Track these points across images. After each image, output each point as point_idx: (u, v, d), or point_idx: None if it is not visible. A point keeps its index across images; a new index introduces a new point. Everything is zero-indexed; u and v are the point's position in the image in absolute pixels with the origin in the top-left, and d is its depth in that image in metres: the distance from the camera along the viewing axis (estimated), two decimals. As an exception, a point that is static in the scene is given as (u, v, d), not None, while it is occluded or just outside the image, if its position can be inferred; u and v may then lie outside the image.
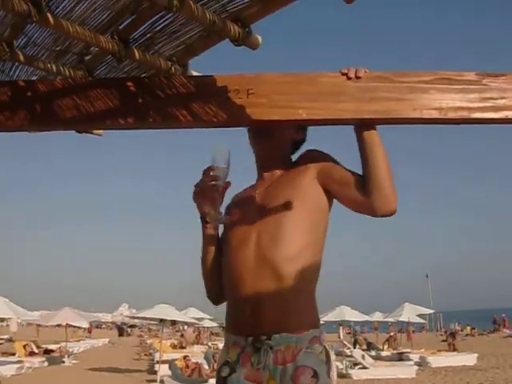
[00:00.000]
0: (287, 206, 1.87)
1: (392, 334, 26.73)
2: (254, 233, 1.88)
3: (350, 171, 1.89)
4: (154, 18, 2.03)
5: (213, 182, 1.90)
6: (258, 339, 1.80)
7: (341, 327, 23.81)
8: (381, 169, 1.79)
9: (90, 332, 37.42)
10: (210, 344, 28.85)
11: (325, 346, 1.82)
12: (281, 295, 1.79)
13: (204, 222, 1.99)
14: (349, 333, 33.15)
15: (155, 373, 14.93)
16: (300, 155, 2.04)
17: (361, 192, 1.80)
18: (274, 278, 1.80)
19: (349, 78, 1.88)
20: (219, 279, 1.98)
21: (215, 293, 2.06)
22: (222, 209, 2.00)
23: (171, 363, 14.29)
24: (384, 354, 21.61)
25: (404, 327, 29.60)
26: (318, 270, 1.91)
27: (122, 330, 46.95)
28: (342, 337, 22.46)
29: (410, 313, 26.00)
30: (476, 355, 19.05)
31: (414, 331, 28.05)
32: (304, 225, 1.87)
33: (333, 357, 1.85)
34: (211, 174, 1.90)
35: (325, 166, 1.93)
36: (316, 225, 1.91)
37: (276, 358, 1.76)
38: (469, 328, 41.51)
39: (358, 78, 1.88)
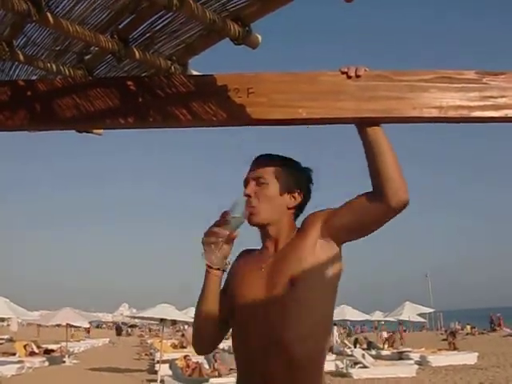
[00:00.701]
0: (294, 283, 1.78)
1: (384, 333, 26.74)
2: (262, 310, 1.80)
3: (347, 201, 1.82)
4: (153, 18, 2.03)
5: (224, 232, 1.81)
6: None
7: (335, 327, 23.81)
8: (389, 160, 1.73)
9: (88, 332, 37.34)
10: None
11: None
12: (291, 376, 1.75)
13: (209, 267, 1.88)
14: (343, 333, 33.10)
15: (156, 372, 14.94)
16: (302, 222, 1.93)
17: (370, 198, 1.75)
18: (285, 359, 1.74)
19: (349, 77, 1.87)
20: (211, 330, 1.93)
21: (203, 342, 1.99)
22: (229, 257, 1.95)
23: (172, 363, 14.30)
24: (384, 353, 21.63)
25: (405, 327, 29.60)
26: (327, 347, 1.87)
27: (119, 329, 46.90)
28: (336, 336, 22.43)
29: (410, 312, 26.05)
30: (476, 354, 19.06)
31: (405, 330, 28.03)
32: (313, 301, 1.79)
33: None
34: (225, 220, 1.82)
35: (325, 217, 1.84)
36: (326, 296, 1.84)
37: None
38: (469, 327, 41.49)
39: (357, 76, 1.86)
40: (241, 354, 1.88)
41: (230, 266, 1.94)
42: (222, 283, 1.94)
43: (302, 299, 1.77)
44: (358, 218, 1.78)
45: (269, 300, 1.80)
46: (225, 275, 1.94)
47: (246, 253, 2.03)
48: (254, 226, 1.92)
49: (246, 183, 1.93)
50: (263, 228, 1.93)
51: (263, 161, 1.96)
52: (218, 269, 1.87)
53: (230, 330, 1.95)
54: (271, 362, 1.75)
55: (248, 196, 1.88)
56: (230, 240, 1.84)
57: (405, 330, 28.24)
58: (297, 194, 1.94)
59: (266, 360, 1.76)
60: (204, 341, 1.98)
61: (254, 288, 1.85)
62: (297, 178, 1.95)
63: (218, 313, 1.90)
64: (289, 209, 1.94)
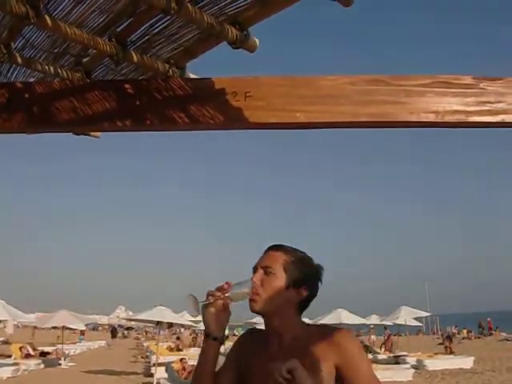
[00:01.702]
0: None
1: (373, 337, 26.59)
2: None
3: (367, 377, 1.79)
4: (151, 21, 2.02)
5: (230, 295, 1.81)
6: None
7: None
8: None
9: (82, 334, 37.10)
10: (206, 346, 28.72)
11: None
12: None
13: (207, 338, 1.89)
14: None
15: (152, 375, 14.93)
16: (326, 329, 1.90)
17: None
18: None
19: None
20: None
21: None
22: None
23: (168, 366, 14.28)
24: (381, 357, 21.62)
25: (401, 331, 29.60)
26: None
27: (114, 332, 46.74)
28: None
29: (406, 316, 26.02)
30: (472, 358, 19.08)
31: (395, 334, 28.04)
32: None
33: None
34: (227, 289, 1.82)
35: (350, 365, 1.79)
36: None
37: None
38: (465, 331, 41.56)
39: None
40: None
41: (232, 342, 1.96)
42: (222, 350, 1.95)
43: None
44: None
45: None
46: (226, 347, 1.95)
47: (252, 335, 2.04)
48: (254, 312, 1.90)
49: (255, 270, 1.91)
50: (265, 317, 1.91)
51: (275, 251, 1.93)
52: (215, 339, 1.87)
53: None
54: None
55: (254, 283, 1.86)
56: (226, 305, 1.84)
57: (395, 335, 28.20)
58: (303, 289, 1.91)
59: None
60: None
61: (263, 378, 1.82)
62: (305, 273, 1.91)
63: (212, 381, 1.91)
64: (293, 303, 1.90)
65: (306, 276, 1.91)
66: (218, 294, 1.82)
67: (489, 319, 44.09)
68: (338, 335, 1.83)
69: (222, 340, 1.89)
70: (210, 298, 1.83)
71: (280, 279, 1.88)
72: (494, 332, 42.75)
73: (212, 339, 1.87)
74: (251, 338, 2.03)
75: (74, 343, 32.34)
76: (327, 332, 1.86)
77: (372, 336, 26.97)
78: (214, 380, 1.91)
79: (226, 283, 1.83)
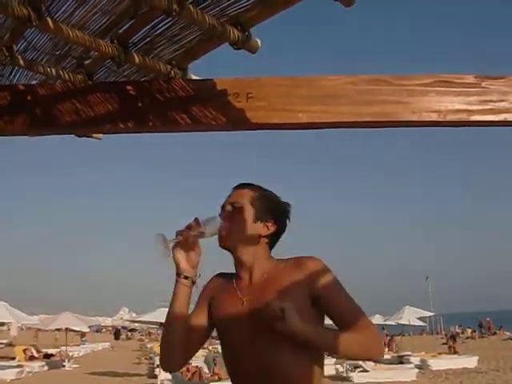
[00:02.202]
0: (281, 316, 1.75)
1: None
2: (251, 345, 1.80)
3: (346, 308, 1.82)
4: (153, 22, 2.03)
5: (199, 232, 1.81)
6: None
7: None
8: (341, 353, 1.78)
9: (83, 336, 36.87)
10: (210, 348, 28.78)
11: None
12: None
13: (179, 277, 1.87)
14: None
15: (155, 377, 14.93)
16: (296, 260, 1.88)
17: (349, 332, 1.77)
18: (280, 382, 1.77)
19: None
20: (182, 344, 1.91)
21: (173, 357, 1.96)
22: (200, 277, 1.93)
23: (171, 367, 14.23)
24: (384, 356, 21.58)
25: (405, 330, 29.55)
26: (322, 362, 1.87)
27: (118, 333, 46.70)
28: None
29: (410, 315, 25.99)
30: (476, 358, 19.04)
31: (387, 335, 28.02)
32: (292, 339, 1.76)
33: None
34: (200, 223, 1.81)
35: (324, 292, 1.82)
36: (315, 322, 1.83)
37: None
38: (469, 331, 41.48)
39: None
40: (235, 380, 1.90)
41: (203, 283, 1.94)
42: (195, 297, 1.95)
43: (287, 336, 1.74)
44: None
45: (255, 332, 1.80)
46: (197, 290, 1.94)
47: (222, 277, 2.02)
48: (224, 248, 1.91)
49: (223, 207, 1.93)
50: (235, 253, 1.91)
51: (241, 188, 1.95)
52: (187, 277, 1.86)
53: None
54: None
55: (222, 218, 1.88)
56: (196, 242, 1.84)
57: (398, 335, 28.20)
58: (270, 223, 1.92)
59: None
60: (174, 355, 1.95)
61: (237, 322, 1.84)
62: (272, 208, 1.93)
63: (187, 325, 1.90)
64: (261, 237, 1.91)
65: (272, 210, 1.93)
66: (187, 231, 1.81)
67: (488, 319, 43.94)
68: (309, 265, 1.84)
69: (194, 279, 1.88)
70: (179, 236, 1.81)
71: (247, 213, 1.90)
72: (497, 332, 42.64)
73: (183, 278, 1.86)
74: (221, 279, 2.02)
75: (78, 345, 32.35)
76: (298, 263, 1.86)
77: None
78: (186, 321, 1.91)
79: (195, 220, 1.82)
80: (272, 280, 1.85)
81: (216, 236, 1.88)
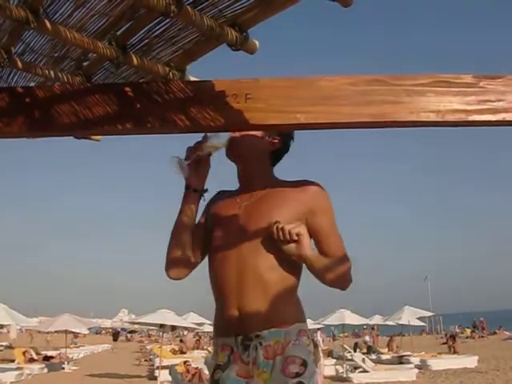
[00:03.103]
0: (270, 225, 1.88)
1: (367, 337, 26.60)
2: (237, 245, 1.91)
3: (334, 239, 1.96)
4: (151, 24, 2.03)
5: (208, 151, 1.96)
6: (247, 337, 1.86)
7: (318, 331, 23.70)
8: (325, 277, 1.93)
9: (76, 337, 36.65)
10: (210, 349, 28.79)
11: (312, 339, 1.91)
12: (265, 296, 1.86)
13: (188, 190, 2.01)
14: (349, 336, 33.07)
15: (155, 378, 14.92)
16: (299, 182, 2.00)
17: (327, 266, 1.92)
18: (258, 284, 1.86)
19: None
20: (186, 254, 2.02)
21: (177, 264, 2.06)
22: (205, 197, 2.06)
23: (171, 368, 14.25)
24: (384, 357, 21.58)
25: (404, 331, 29.56)
26: (299, 273, 1.97)
27: (116, 335, 46.68)
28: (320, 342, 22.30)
29: (409, 316, 25.98)
30: (476, 358, 19.03)
31: (378, 335, 28.02)
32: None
33: (320, 349, 1.95)
34: (205, 141, 1.95)
35: (319, 216, 1.94)
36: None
37: (266, 353, 1.82)
38: (469, 330, 41.49)
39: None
40: (217, 289, 1.97)
41: (208, 199, 2.06)
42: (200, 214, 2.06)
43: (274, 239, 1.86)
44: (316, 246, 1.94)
45: (244, 234, 1.90)
46: (202, 206, 2.06)
47: (223, 193, 2.13)
48: (231, 158, 2.01)
49: None
50: (241, 164, 2.01)
51: None
52: (195, 190, 1.99)
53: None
54: (246, 292, 1.86)
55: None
56: (207, 157, 1.96)
57: (398, 335, 28.16)
58: (277, 140, 2.03)
59: (241, 290, 1.86)
60: (179, 263, 2.05)
61: (230, 223, 1.95)
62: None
63: (192, 232, 2.01)
64: (267, 152, 2.02)
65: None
66: (198, 150, 1.94)
67: (482, 319, 43.89)
68: (311, 189, 1.96)
69: (202, 192, 2.02)
70: (192, 156, 1.96)
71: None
72: (497, 331, 42.66)
73: (192, 191, 1.99)
74: (222, 193, 2.13)
75: (78, 347, 32.31)
76: (300, 184, 1.97)
77: (366, 336, 26.84)
78: (193, 231, 2.02)
79: (204, 137, 1.95)
80: (273, 193, 1.95)
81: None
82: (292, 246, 1.81)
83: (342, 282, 1.99)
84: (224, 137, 1.95)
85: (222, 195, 2.13)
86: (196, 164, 1.99)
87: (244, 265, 1.88)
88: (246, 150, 2.01)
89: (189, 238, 2.01)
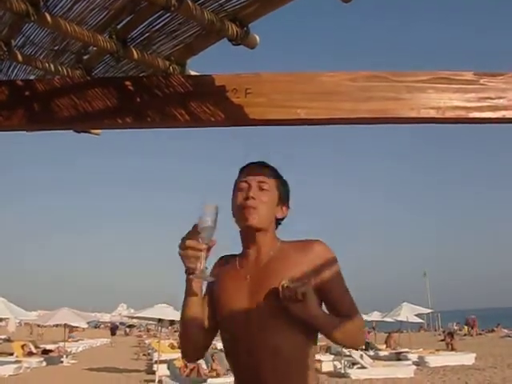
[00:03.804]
0: (279, 299, 1.78)
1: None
2: (245, 321, 1.83)
3: (345, 296, 1.89)
4: (152, 18, 2.02)
5: (201, 245, 1.81)
6: None
7: None
8: (337, 338, 1.85)
9: (72, 331, 36.32)
10: (208, 344, 28.74)
11: None
12: (282, 373, 1.80)
13: (189, 275, 1.89)
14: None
15: (154, 373, 14.94)
16: (302, 242, 1.93)
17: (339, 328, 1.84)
18: (272, 361, 1.80)
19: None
20: (199, 337, 1.95)
21: (192, 349, 2.01)
22: (209, 265, 1.93)
23: (170, 363, 14.29)
24: (382, 353, 21.60)
25: (403, 327, 29.61)
26: (315, 339, 1.91)
27: (114, 329, 46.63)
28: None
29: (408, 312, 26.02)
30: (474, 355, 19.07)
31: (369, 332, 28.02)
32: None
33: None
34: (198, 231, 1.82)
35: (326, 276, 1.87)
36: None
37: None
38: (467, 327, 41.53)
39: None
40: (233, 361, 1.92)
41: (210, 275, 1.94)
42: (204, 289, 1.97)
43: (287, 315, 1.78)
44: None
45: (252, 309, 1.83)
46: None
47: (225, 260, 2.04)
48: (250, 227, 1.91)
49: (249, 186, 1.92)
50: (253, 231, 1.92)
51: (264, 168, 1.96)
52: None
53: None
54: (262, 370, 1.79)
55: (252, 198, 1.89)
56: (208, 250, 1.84)
57: (396, 331, 28.19)
58: (285, 207, 1.98)
59: (256, 369, 1.80)
60: (193, 348, 2.00)
61: (238, 296, 1.87)
62: (287, 192, 1.99)
63: (203, 319, 1.94)
64: (275, 220, 1.97)
65: (288, 195, 2.00)
66: (195, 247, 1.80)
67: (473, 317, 43.89)
68: (317, 250, 1.88)
69: (207, 279, 1.91)
70: (191, 258, 1.81)
71: (273, 196, 1.94)
72: (495, 329, 42.74)
73: (195, 277, 1.87)
74: (224, 261, 2.05)
75: (77, 341, 32.33)
76: (305, 246, 1.90)
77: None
78: (201, 315, 1.93)
79: (195, 226, 1.81)
80: (279, 259, 1.89)
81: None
82: (298, 305, 1.73)
83: (353, 341, 1.94)
84: (213, 211, 1.81)
85: (224, 263, 2.04)
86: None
87: (255, 342, 1.81)
88: (266, 221, 1.92)
89: (199, 322, 1.93)
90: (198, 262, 1.81)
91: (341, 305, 1.86)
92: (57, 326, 28.65)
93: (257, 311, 1.82)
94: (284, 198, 1.97)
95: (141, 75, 2.40)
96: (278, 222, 2.00)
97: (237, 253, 2.01)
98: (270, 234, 1.95)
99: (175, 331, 43.03)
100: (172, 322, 19.41)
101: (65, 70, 2.40)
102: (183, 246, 1.82)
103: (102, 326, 66.83)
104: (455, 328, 41.08)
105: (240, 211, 1.90)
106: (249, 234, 1.94)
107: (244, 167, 1.98)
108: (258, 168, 1.96)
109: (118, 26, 2.08)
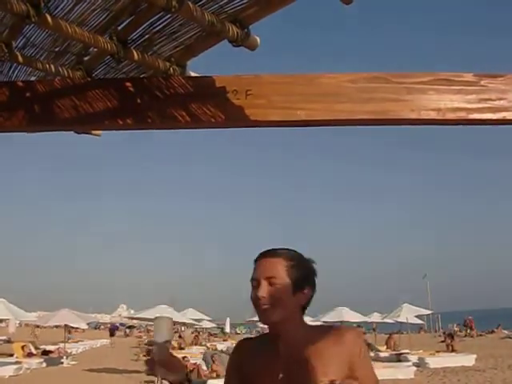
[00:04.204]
0: None
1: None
2: None
3: (373, 378, 1.85)
4: (152, 19, 2.02)
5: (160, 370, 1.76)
6: None
7: None
8: None
9: (69, 332, 35.99)
10: (208, 345, 28.85)
11: None
12: None
13: None
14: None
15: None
16: (335, 329, 1.88)
17: None
18: None
19: None
20: None
21: None
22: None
23: (169, 364, 14.25)
24: (383, 354, 21.62)
25: (403, 328, 29.60)
26: None
27: (113, 331, 46.58)
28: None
29: (408, 313, 26.03)
30: (474, 356, 19.08)
31: (395, 332, 28.04)
32: None
33: None
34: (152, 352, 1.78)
35: (361, 365, 1.81)
36: None
37: None
38: (466, 328, 41.51)
39: None
40: None
41: (228, 361, 1.93)
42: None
43: None
44: None
45: None
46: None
47: (248, 346, 1.98)
48: (267, 324, 1.87)
49: (257, 283, 1.85)
50: (275, 326, 1.86)
51: (272, 258, 1.88)
52: (181, 382, 1.83)
53: None
54: None
55: (262, 297, 1.81)
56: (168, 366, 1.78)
57: (396, 333, 28.20)
58: (307, 290, 1.88)
59: None
60: None
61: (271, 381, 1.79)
62: (306, 273, 1.89)
63: None
64: (299, 306, 1.88)
65: (307, 276, 1.88)
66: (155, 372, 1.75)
67: (470, 317, 43.86)
68: (348, 338, 1.81)
69: (188, 379, 1.85)
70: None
71: (286, 287, 1.83)
72: (495, 330, 42.72)
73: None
74: (248, 346, 1.98)
75: (77, 342, 32.33)
76: (337, 334, 1.83)
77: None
78: None
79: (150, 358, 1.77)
80: (310, 349, 1.82)
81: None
82: None
83: None
84: (165, 323, 1.80)
85: (248, 349, 1.97)
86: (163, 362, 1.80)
87: None
88: (283, 315, 1.83)
89: None
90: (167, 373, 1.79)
91: None
92: (57, 327, 28.60)
93: None
94: (302, 283, 1.86)
95: (141, 76, 2.40)
96: (304, 306, 1.90)
97: (253, 336, 1.97)
98: (294, 322, 1.86)
99: (175, 332, 43.04)
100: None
101: (65, 71, 2.40)
102: (147, 372, 1.78)
103: (102, 326, 66.86)
104: (455, 329, 41.05)
105: (255, 310, 1.84)
106: (271, 328, 1.89)
107: (256, 259, 1.91)
108: (267, 261, 1.88)
109: (119, 28, 2.08)
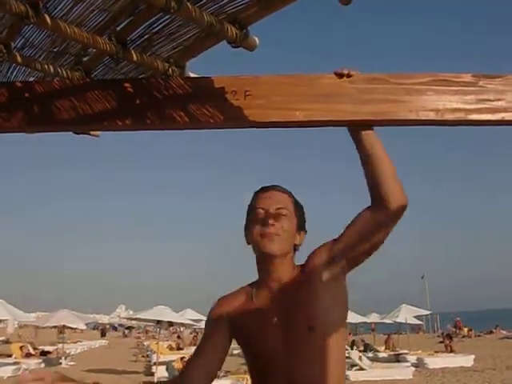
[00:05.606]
0: (313, 329, 1.75)
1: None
2: (283, 362, 1.77)
3: (346, 229, 1.82)
4: (151, 20, 2.03)
5: None
6: None
7: None
8: (385, 164, 1.76)
9: (61, 332, 35.56)
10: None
11: None
12: None
13: None
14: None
15: (152, 374, 14.97)
16: (308, 258, 1.89)
17: (369, 209, 1.77)
18: None
19: (341, 76, 1.87)
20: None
21: None
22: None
23: (168, 365, 14.31)
24: (381, 355, 21.64)
25: (401, 329, 29.62)
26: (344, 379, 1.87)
27: (104, 331, 46.54)
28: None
29: (406, 314, 26.05)
30: (473, 357, 19.10)
31: (350, 333, 28.06)
32: (331, 343, 1.78)
33: None
34: None
35: (330, 246, 1.83)
36: (341, 335, 1.83)
37: None
38: (466, 329, 41.55)
39: (349, 76, 1.86)
40: None
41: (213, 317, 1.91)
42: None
43: (322, 345, 1.75)
44: (360, 231, 1.77)
45: (289, 352, 1.76)
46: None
47: (230, 299, 1.95)
48: (271, 253, 1.83)
49: (266, 212, 1.85)
50: (273, 261, 1.85)
51: (282, 192, 1.92)
52: None
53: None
54: None
55: (273, 225, 1.83)
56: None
57: (395, 333, 28.25)
58: (303, 232, 1.93)
59: None
60: None
61: (270, 341, 1.79)
62: (304, 218, 1.94)
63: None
64: (294, 246, 1.91)
65: (305, 221, 1.95)
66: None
67: (458, 318, 43.95)
68: (315, 251, 1.85)
69: None
70: None
71: (293, 222, 1.88)
72: (493, 330, 42.78)
73: None
74: (230, 300, 1.94)
75: (75, 342, 32.31)
76: (312, 255, 1.86)
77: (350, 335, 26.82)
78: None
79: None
80: (303, 288, 1.82)
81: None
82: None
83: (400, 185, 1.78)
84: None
85: (231, 302, 1.93)
86: None
87: (295, 378, 1.74)
88: (287, 248, 1.86)
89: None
90: None
91: (351, 222, 1.80)
92: (55, 327, 28.57)
93: (288, 355, 1.76)
94: (302, 224, 1.92)
95: (140, 77, 2.40)
96: (296, 248, 1.93)
97: (235, 290, 1.94)
98: (289, 262, 1.89)
99: (174, 333, 43.02)
100: (171, 324, 19.41)
101: (64, 72, 2.40)
102: None
103: (101, 327, 66.84)
104: (454, 330, 41.08)
105: (259, 239, 1.83)
106: (268, 263, 1.86)
107: (259, 191, 1.93)
108: (275, 193, 1.91)
109: (118, 28, 2.08)
